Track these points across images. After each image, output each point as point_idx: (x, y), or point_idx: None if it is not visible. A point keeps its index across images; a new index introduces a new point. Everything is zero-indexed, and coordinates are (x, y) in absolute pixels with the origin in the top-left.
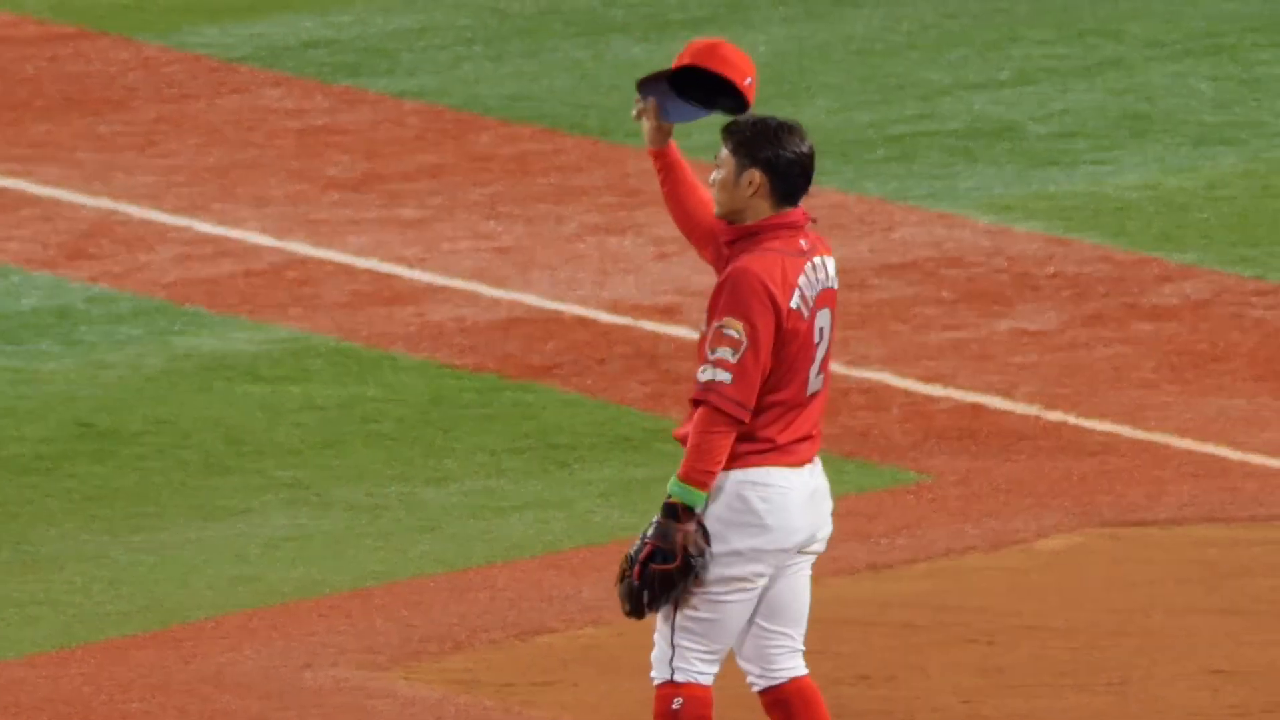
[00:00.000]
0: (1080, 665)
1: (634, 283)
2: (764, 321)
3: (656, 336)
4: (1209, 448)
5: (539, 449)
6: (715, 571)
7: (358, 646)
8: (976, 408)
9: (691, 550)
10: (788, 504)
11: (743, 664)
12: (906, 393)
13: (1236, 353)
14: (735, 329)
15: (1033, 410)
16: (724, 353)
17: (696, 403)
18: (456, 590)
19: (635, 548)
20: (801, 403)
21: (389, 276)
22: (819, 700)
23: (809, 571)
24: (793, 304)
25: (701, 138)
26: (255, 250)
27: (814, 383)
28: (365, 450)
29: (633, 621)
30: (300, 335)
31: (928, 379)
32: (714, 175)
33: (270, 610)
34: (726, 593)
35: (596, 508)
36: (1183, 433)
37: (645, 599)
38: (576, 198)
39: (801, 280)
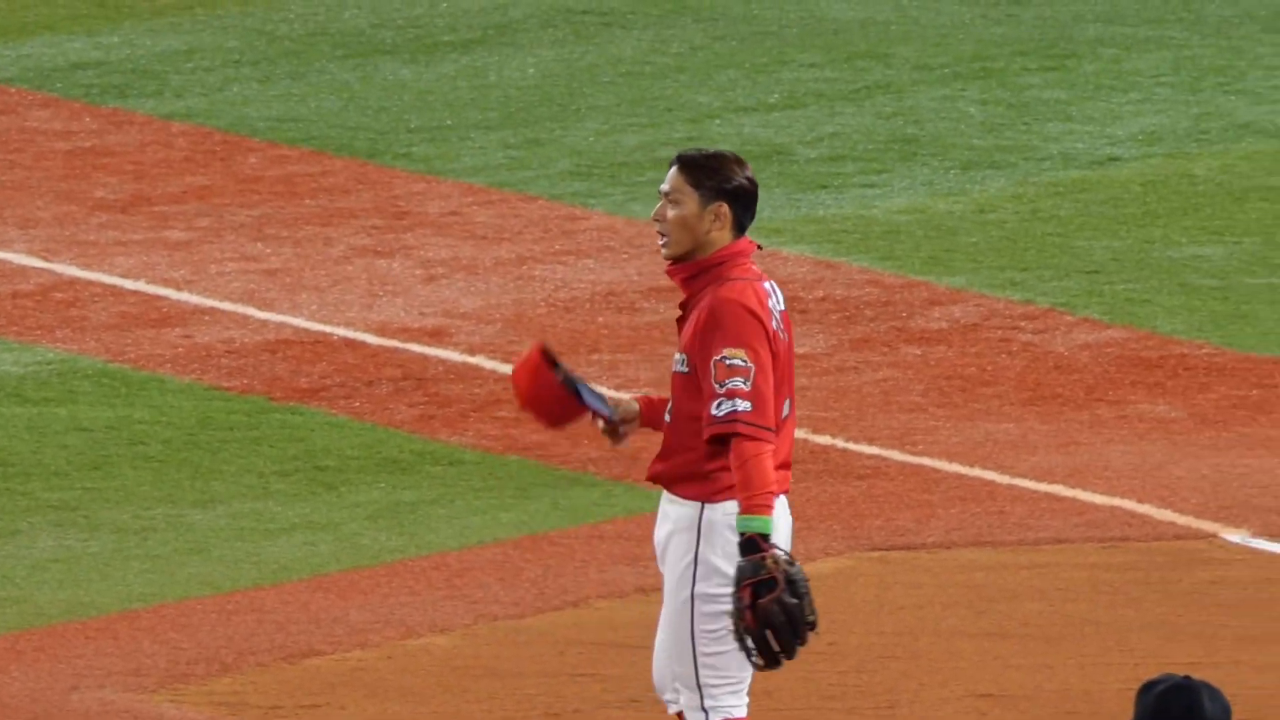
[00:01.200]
0: (848, 688)
1: (402, 305)
2: (761, 344)
3: (425, 359)
4: (977, 471)
5: (307, 471)
6: (724, 605)
7: (125, 669)
8: None
9: (786, 568)
10: (778, 531)
11: (658, 680)
12: None
13: (1004, 376)
14: (739, 358)
15: (801, 433)
16: (736, 382)
17: (718, 439)
18: (224, 613)
19: (735, 602)
20: (780, 426)
21: (157, 298)
22: None
23: None
24: (774, 326)
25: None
26: (22, 271)
27: (785, 407)
28: (133, 472)
29: (401, 644)
30: (67, 357)
31: None
32: (671, 212)
33: (37, 632)
34: None
35: (364, 530)
36: (951, 456)
37: (772, 639)
38: (344, 220)
39: (771, 304)
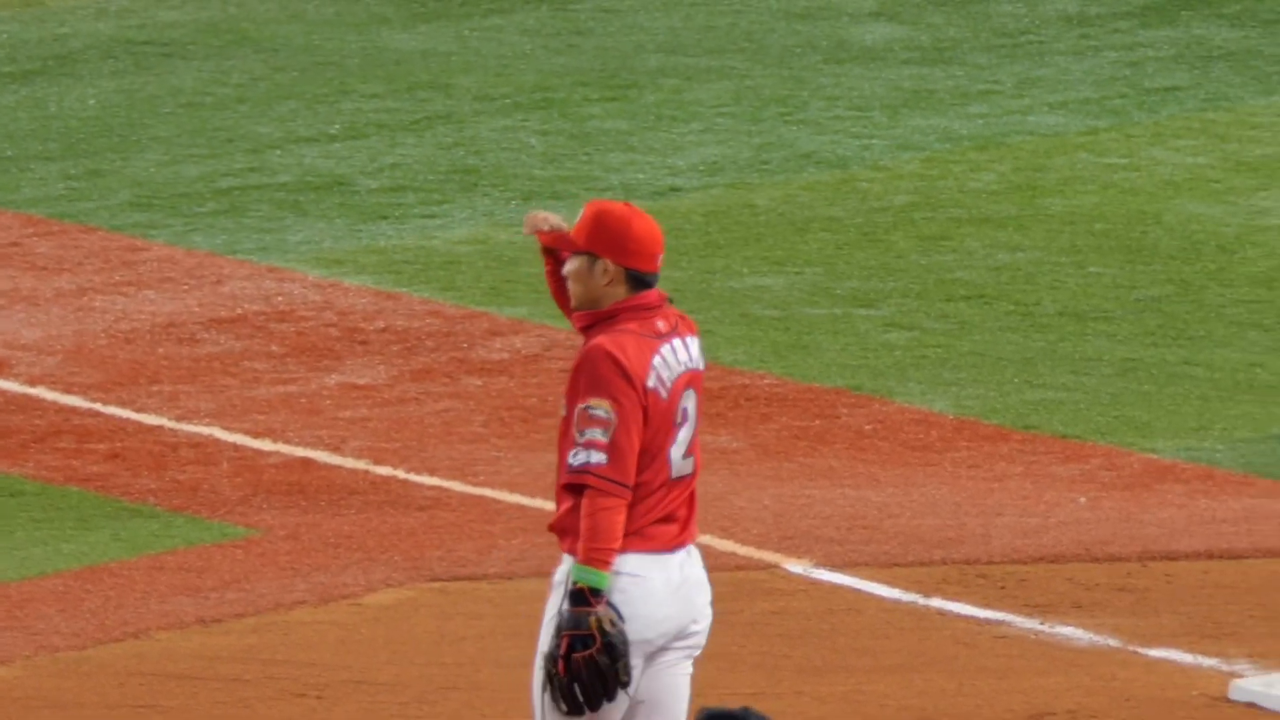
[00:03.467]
0: (409, 719)
1: None
2: (628, 398)
3: None
4: (539, 502)
5: None
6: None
7: None
8: (306, 462)
9: (607, 629)
10: (647, 594)
11: None
12: (236, 447)
13: None
14: (603, 408)
15: (362, 465)
16: (594, 433)
17: (571, 488)
18: None
19: (551, 645)
20: (664, 485)
21: None
22: None
23: (688, 668)
24: (650, 384)
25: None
26: None
27: (680, 466)
28: None
29: None
30: None
31: (257, 433)
32: (567, 267)
33: None
34: None
35: None
36: (512, 487)
37: (578, 691)
38: None
39: (656, 361)
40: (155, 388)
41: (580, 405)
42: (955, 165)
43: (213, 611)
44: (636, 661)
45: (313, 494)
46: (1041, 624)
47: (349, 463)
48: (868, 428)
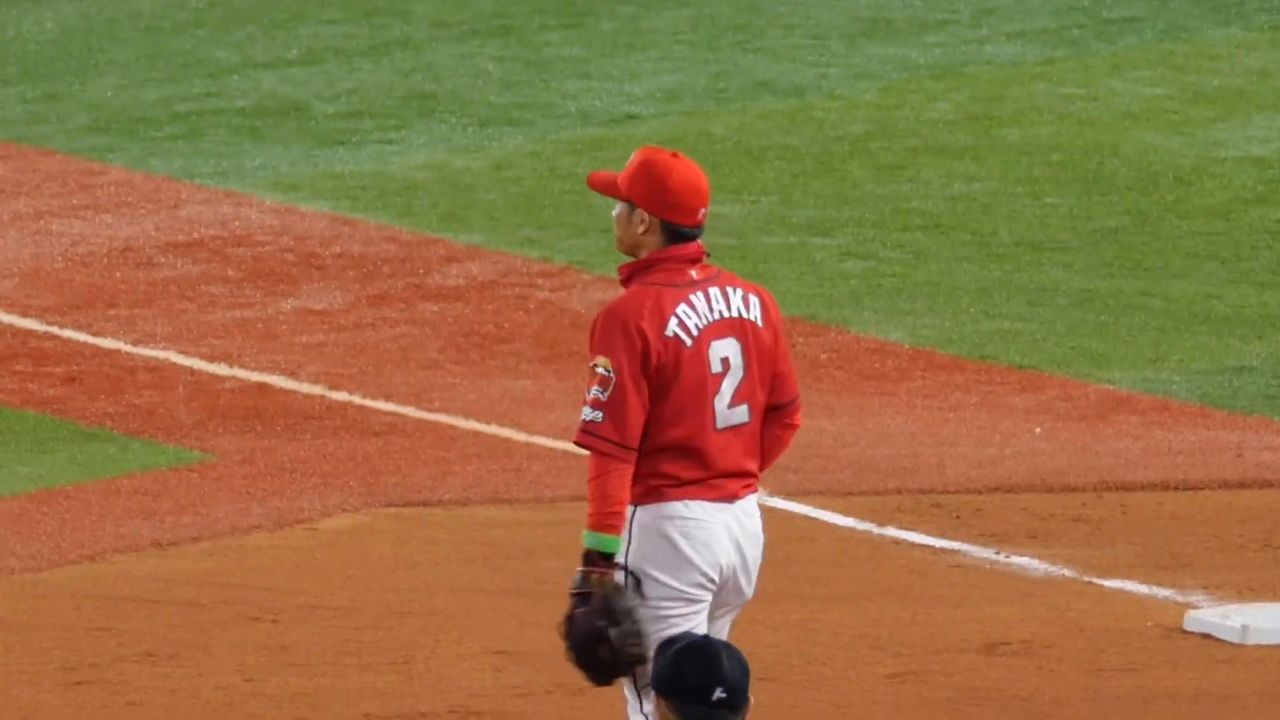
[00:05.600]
0: (364, 644)
1: None
2: (629, 355)
3: None
4: (494, 429)
5: None
6: (655, 610)
7: None
8: (262, 387)
9: (610, 593)
10: (711, 538)
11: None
12: (192, 371)
13: (522, 334)
14: (604, 366)
15: (318, 390)
16: (596, 391)
17: (583, 446)
18: None
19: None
20: (712, 436)
21: None
22: None
23: (732, 617)
24: (667, 332)
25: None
26: None
27: (727, 416)
28: None
29: None
30: None
31: (213, 358)
32: (613, 210)
33: None
34: (672, 628)
35: None
36: (468, 414)
37: (578, 654)
38: None
39: (681, 309)
40: (112, 311)
41: (590, 363)
42: (912, 95)
43: (168, 535)
44: (707, 595)
45: (268, 419)
46: (996, 554)
47: (305, 388)
48: (823, 357)
